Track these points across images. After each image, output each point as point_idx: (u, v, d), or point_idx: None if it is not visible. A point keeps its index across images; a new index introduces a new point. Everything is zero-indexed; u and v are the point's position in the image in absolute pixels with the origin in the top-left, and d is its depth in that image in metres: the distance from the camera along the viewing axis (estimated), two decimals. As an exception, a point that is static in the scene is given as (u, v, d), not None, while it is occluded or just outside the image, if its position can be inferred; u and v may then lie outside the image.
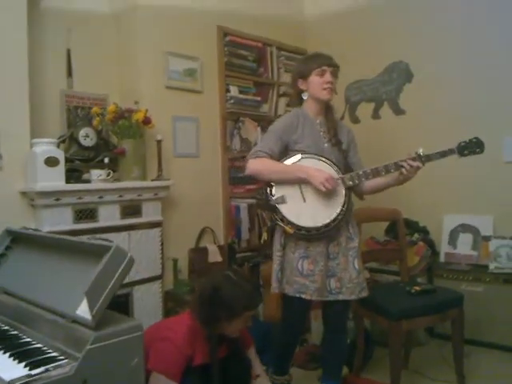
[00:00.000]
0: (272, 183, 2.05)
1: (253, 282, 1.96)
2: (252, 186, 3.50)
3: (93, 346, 1.06)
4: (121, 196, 2.63)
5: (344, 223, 2.10)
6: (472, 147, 2.09)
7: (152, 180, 2.86)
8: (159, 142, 2.88)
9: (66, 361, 1.06)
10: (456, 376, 2.45)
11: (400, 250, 2.79)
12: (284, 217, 2.00)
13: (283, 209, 2.01)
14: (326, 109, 2.19)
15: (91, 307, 1.07)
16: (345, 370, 2.56)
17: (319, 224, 1.99)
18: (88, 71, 2.96)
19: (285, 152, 2.10)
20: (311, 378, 2.48)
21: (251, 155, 2.08)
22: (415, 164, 2.02)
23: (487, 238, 3.13)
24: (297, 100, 2.22)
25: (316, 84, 2.10)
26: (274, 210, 2.02)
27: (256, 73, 3.65)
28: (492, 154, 3.10)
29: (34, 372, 1.01)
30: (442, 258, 3.29)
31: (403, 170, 2.03)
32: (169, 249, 2.98)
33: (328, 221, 1.99)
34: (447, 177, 3.34)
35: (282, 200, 2.01)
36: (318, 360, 2.65)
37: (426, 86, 3.43)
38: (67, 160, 2.56)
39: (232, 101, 3.42)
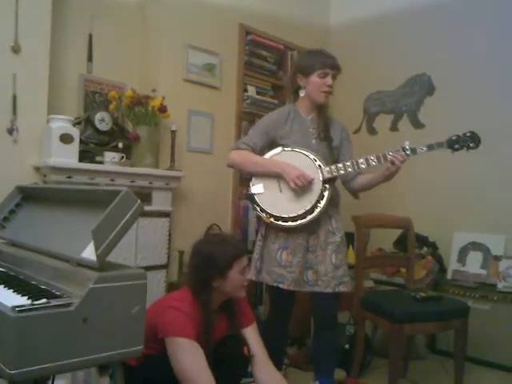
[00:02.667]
0: (252, 175, 2.12)
1: (232, 236, 1.99)
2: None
3: (95, 286, 1.06)
4: (132, 181, 2.64)
5: (326, 217, 2.13)
6: (465, 141, 2.01)
7: (164, 169, 2.87)
8: (174, 132, 2.90)
9: (68, 298, 1.06)
10: (455, 389, 2.39)
11: (408, 258, 2.74)
12: (261, 207, 2.07)
13: (260, 199, 2.08)
14: (320, 107, 2.20)
15: (97, 247, 1.07)
16: (342, 373, 2.53)
17: (293, 214, 2.03)
18: (108, 58, 3.01)
19: (272, 146, 2.15)
20: (308, 379, 2.42)
21: (233, 147, 2.18)
22: (398, 155, 1.99)
23: (498, 258, 3.07)
24: (293, 94, 2.25)
25: (316, 85, 2.10)
26: (252, 200, 2.10)
27: (275, 75, 3.68)
28: (508, 171, 3.11)
29: (36, 302, 1.02)
30: (449, 275, 3.24)
31: (389, 164, 2.01)
32: (175, 240, 2.97)
33: (302, 211, 2.03)
34: (460, 194, 3.33)
35: (260, 190, 2.10)
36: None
37: (448, 100, 3.41)
38: (82, 142, 2.59)
39: (249, 101, 3.44)
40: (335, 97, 4.07)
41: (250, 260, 2.00)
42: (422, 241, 3.30)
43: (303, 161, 2.07)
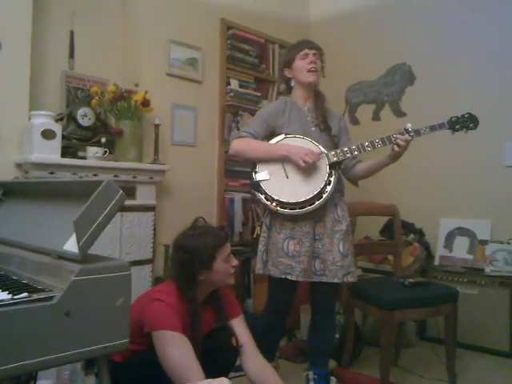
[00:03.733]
0: (256, 162, 2.07)
1: (212, 226, 1.94)
2: (247, 181, 3.47)
3: (78, 278, 1.03)
4: (116, 176, 2.61)
5: (331, 204, 2.10)
6: (465, 122, 2.05)
7: (148, 163, 2.85)
8: (157, 126, 2.88)
9: (50, 291, 1.04)
10: (447, 374, 2.40)
11: (395, 245, 2.75)
12: (267, 194, 2.01)
13: (266, 186, 2.02)
14: (315, 95, 2.21)
15: (79, 238, 1.04)
16: (333, 363, 2.53)
17: (300, 199, 1.99)
18: (90, 54, 2.97)
19: (272, 136, 2.13)
20: (298, 370, 2.42)
21: (235, 136, 2.17)
22: (403, 137, 2.00)
23: (484, 242, 3.10)
24: (286, 88, 2.26)
25: (300, 68, 2.13)
26: (257, 187, 2.04)
27: (257, 68, 3.67)
28: (493, 158, 3.14)
29: (16, 296, 0.99)
30: (436, 261, 3.27)
31: (395, 146, 2.02)
32: (161, 234, 2.94)
33: (310, 195, 1.99)
34: (445, 180, 3.35)
35: (265, 177, 2.04)
36: (305, 354, 2.60)
37: (429, 89, 3.44)
38: (64, 137, 2.55)
39: (232, 94, 3.43)
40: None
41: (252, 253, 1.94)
42: (409, 228, 3.33)
43: (307, 145, 2.04)
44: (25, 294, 1.00)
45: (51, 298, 1.02)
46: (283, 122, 2.12)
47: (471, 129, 2.06)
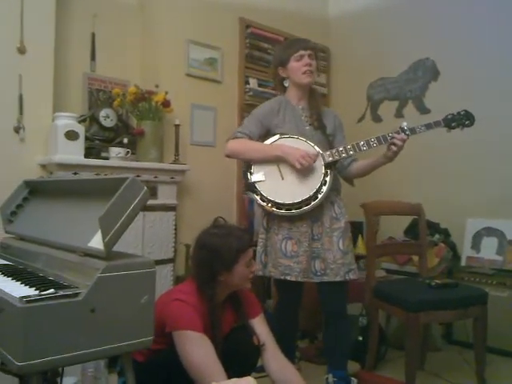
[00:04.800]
0: (251, 163, 2.06)
1: (236, 226, 1.90)
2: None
3: (103, 275, 1.03)
4: (138, 176, 2.61)
5: (328, 203, 2.09)
6: (460, 119, 2.04)
7: (169, 163, 2.86)
8: (177, 126, 2.89)
9: (75, 288, 1.04)
10: (476, 380, 2.32)
11: (420, 245, 2.69)
12: (262, 195, 2.01)
13: (262, 187, 2.02)
14: (310, 94, 2.20)
15: (104, 234, 1.04)
16: (356, 365, 2.49)
17: (296, 200, 1.98)
18: (111, 56, 3.01)
19: (267, 136, 2.12)
20: (320, 372, 2.38)
21: (230, 137, 2.13)
22: (400, 136, 1.98)
23: (514, 243, 3.01)
24: (280, 88, 2.25)
25: (295, 69, 2.11)
26: (252, 189, 2.03)
27: (277, 67, 3.64)
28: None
29: (43, 292, 1.00)
30: (463, 262, 3.17)
31: (392, 146, 1.99)
32: (181, 234, 2.95)
33: (306, 196, 1.98)
34: (471, 179, 3.26)
35: (261, 178, 2.03)
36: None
37: (453, 84, 3.34)
38: (87, 139, 2.59)
39: (251, 93, 3.42)
40: (338, 86, 4.07)
41: (254, 253, 1.95)
42: (434, 228, 3.24)
43: (302, 145, 2.04)
44: (51, 291, 1.00)
45: (77, 294, 1.02)
46: (278, 121, 2.12)
47: (467, 126, 2.05)
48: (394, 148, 1.98)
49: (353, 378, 2.17)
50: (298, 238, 2.04)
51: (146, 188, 1.12)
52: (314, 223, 2.07)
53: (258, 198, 2.03)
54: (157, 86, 2.82)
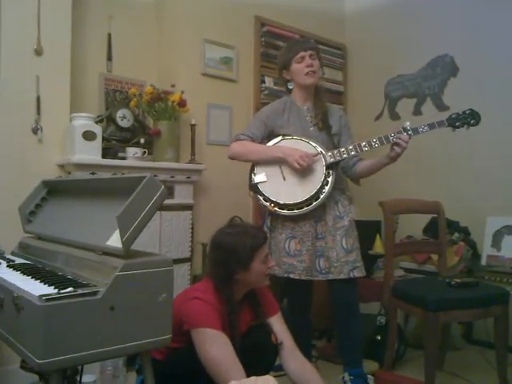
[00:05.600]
0: (254, 165, 2.12)
1: (250, 225, 1.95)
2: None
3: (122, 273, 1.04)
4: (155, 176, 2.60)
5: (332, 202, 2.11)
6: (465, 118, 2.03)
7: (185, 163, 2.87)
8: (193, 126, 2.89)
9: (94, 286, 1.05)
10: (498, 380, 2.27)
11: (439, 244, 2.65)
12: (265, 195, 2.06)
13: (264, 187, 2.07)
14: (315, 93, 2.21)
15: (122, 233, 1.05)
16: (375, 365, 2.47)
17: (298, 200, 2.02)
18: (127, 56, 3.03)
19: (271, 137, 2.15)
20: (337, 371, 2.37)
21: (233, 139, 2.19)
22: (403, 136, 1.99)
23: (535, 241, 2.95)
24: (286, 90, 2.28)
25: (298, 71, 2.15)
26: (256, 189, 2.09)
27: (293, 66, 3.62)
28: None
29: (62, 291, 1.01)
30: (483, 261, 3.11)
31: (395, 146, 2.00)
32: (198, 233, 2.96)
33: (307, 196, 2.01)
34: (491, 177, 3.20)
35: (263, 179, 2.08)
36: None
37: (473, 81, 3.28)
38: (104, 139, 2.61)
39: (266, 92, 3.41)
40: (354, 83, 4.03)
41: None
42: (453, 226, 3.19)
43: (304, 147, 2.07)
44: (70, 289, 1.01)
45: (96, 292, 1.02)
46: (282, 122, 2.15)
47: (473, 125, 2.04)
48: (396, 149, 1.99)
49: (369, 376, 2.15)
50: (301, 238, 2.08)
51: (163, 186, 1.12)
52: (317, 222, 2.11)
53: (261, 198, 2.09)
54: (173, 86, 2.83)
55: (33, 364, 0.96)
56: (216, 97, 3.18)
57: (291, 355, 1.72)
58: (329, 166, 2.06)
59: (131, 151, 2.60)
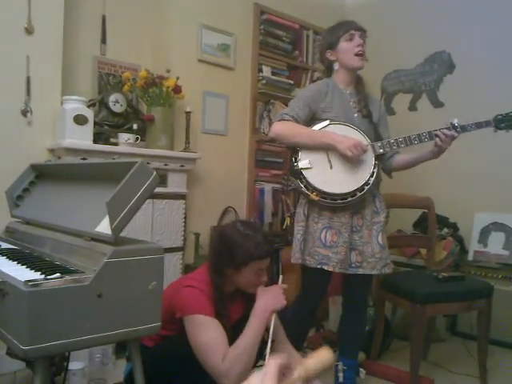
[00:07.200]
0: (298, 149, 1.98)
1: (263, 232, 1.78)
2: (278, 172, 3.45)
3: (110, 260, 1.03)
4: (147, 163, 2.58)
5: (370, 196, 2.04)
6: (509, 121, 1.97)
7: (179, 151, 2.84)
8: (188, 113, 2.86)
9: (82, 273, 1.04)
10: (478, 369, 2.34)
11: (428, 239, 2.67)
12: (309, 183, 1.93)
13: (308, 175, 1.94)
14: (357, 80, 2.13)
15: (112, 219, 1.03)
16: (362, 355, 2.49)
17: (345, 191, 1.92)
18: (122, 39, 2.96)
19: (312, 121, 2.03)
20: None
21: (276, 118, 2.04)
22: (449, 133, 1.93)
23: (521, 238, 2.99)
24: (328, 73, 2.15)
25: (346, 50, 2.02)
26: (298, 176, 1.95)
27: (291, 55, 3.59)
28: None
29: (49, 277, 1.00)
30: (470, 256, 3.15)
31: (437, 139, 1.95)
32: (191, 223, 2.94)
33: (355, 187, 1.92)
34: (480, 174, 3.23)
35: (308, 165, 1.95)
36: (334, 345, 2.57)
37: (469, 78, 3.29)
38: (96, 124, 2.56)
39: (264, 81, 3.38)
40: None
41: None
42: (443, 222, 3.23)
43: (353, 134, 1.96)
44: (57, 275, 1.00)
45: (83, 279, 1.01)
46: (325, 105, 2.02)
47: None
48: (439, 142, 1.94)
49: (361, 369, 2.18)
50: (339, 229, 1.97)
51: (154, 173, 1.11)
52: (354, 215, 2.01)
53: (302, 185, 1.94)
54: (168, 71, 2.79)
55: (18, 350, 0.95)
56: (212, 84, 3.14)
57: (281, 348, 1.72)
58: (376, 157, 1.98)
59: (123, 137, 2.56)
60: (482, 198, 3.21)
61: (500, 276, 2.89)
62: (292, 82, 3.54)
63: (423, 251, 2.98)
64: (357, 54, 2.01)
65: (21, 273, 1.08)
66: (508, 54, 3.13)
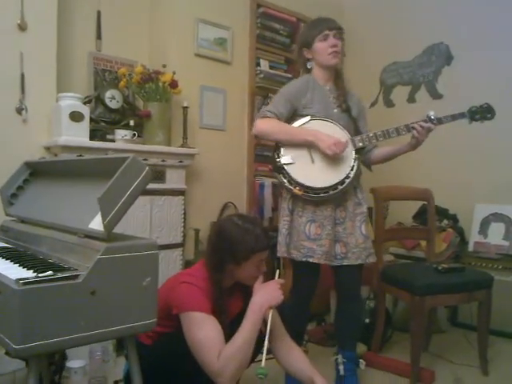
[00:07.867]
0: (280, 145, 2.03)
1: (260, 224, 1.77)
2: (274, 165, 3.43)
3: (103, 257, 1.02)
4: (145, 159, 2.58)
5: (352, 188, 2.08)
6: (483, 112, 2.08)
7: (177, 147, 2.82)
8: (185, 108, 2.85)
9: (75, 270, 1.03)
10: (479, 360, 2.35)
11: (428, 230, 2.66)
12: (292, 178, 1.99)
13: (291, 170, 1.99)
14: (336, 75, 2.15)
15: (104, 215, 1.02)
16: (363, 347, 2.50)
17: (327, 184, 1.98)
18: (118, 35, 2.95)
19: (293, 117, 2.07)
20: (328, 354, 2.39)
21: (259, 115, 2.08)
22: (426, 125, 1.99)
23: (521, 228, 2.98)
24: (304, 70, 2.19)
25: (321, 50, 2.06)
26: (281, 171, 2.01)
27: (288, 49, 3.57)
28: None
29: (41, 275, 0.99)
30: (470, 248, 3.15)
31: (415, 132, 2.00)
32: (190, 219, 2.93)
33: (337, 181, 1.98)
34: (480, 165, 3.22)
35: (290, 161, 2.00)
36: (334, 338, 2.57)
37: (467, 69, 3.28)
38: (92, 120, 2.55)
39: (262, 75, 3.36)
40: (351, 70, 3.96)
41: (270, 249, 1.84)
42: (443, 213, 3.22)
43: (333, 130, 2.02)
44: (49, 273, 0.99)
45: (76, 276, 1.01)
46: (306, 101, 2.07)
47: (488, 119, 2.09)
48: (416, 135, 1.99)
49: (361, 360, 2.18)
50: (322, 222, 2.02)
51: (147, 168, 1.09)
52: (337, 207, 2.06)
53: (285, 180, 2.00)
54: (164, 66, 2.77)
55: (9, 349, 0.94)
56: (209, 79, 3.12)
57: (280, 341, 1.72)
58: (356, 151, 2.03)
59: (120, 133, 2.55)
60: (482, 189, 3.20)
61: (500, 267, 2.89)
62: (290, 75, 3.51)
63: (423, 243, 2.98)
64: (330, 54, 2.04)
65: (13, 271, 1.07)
66: (505, 45, 3.11)
